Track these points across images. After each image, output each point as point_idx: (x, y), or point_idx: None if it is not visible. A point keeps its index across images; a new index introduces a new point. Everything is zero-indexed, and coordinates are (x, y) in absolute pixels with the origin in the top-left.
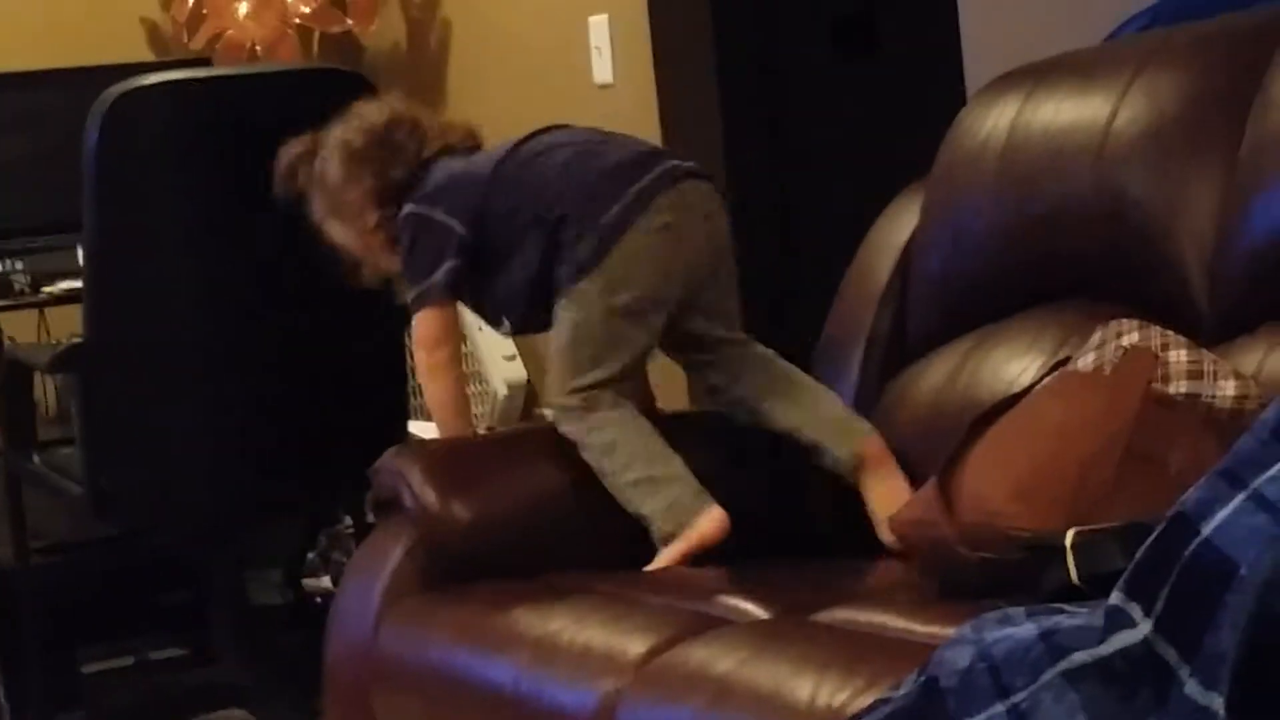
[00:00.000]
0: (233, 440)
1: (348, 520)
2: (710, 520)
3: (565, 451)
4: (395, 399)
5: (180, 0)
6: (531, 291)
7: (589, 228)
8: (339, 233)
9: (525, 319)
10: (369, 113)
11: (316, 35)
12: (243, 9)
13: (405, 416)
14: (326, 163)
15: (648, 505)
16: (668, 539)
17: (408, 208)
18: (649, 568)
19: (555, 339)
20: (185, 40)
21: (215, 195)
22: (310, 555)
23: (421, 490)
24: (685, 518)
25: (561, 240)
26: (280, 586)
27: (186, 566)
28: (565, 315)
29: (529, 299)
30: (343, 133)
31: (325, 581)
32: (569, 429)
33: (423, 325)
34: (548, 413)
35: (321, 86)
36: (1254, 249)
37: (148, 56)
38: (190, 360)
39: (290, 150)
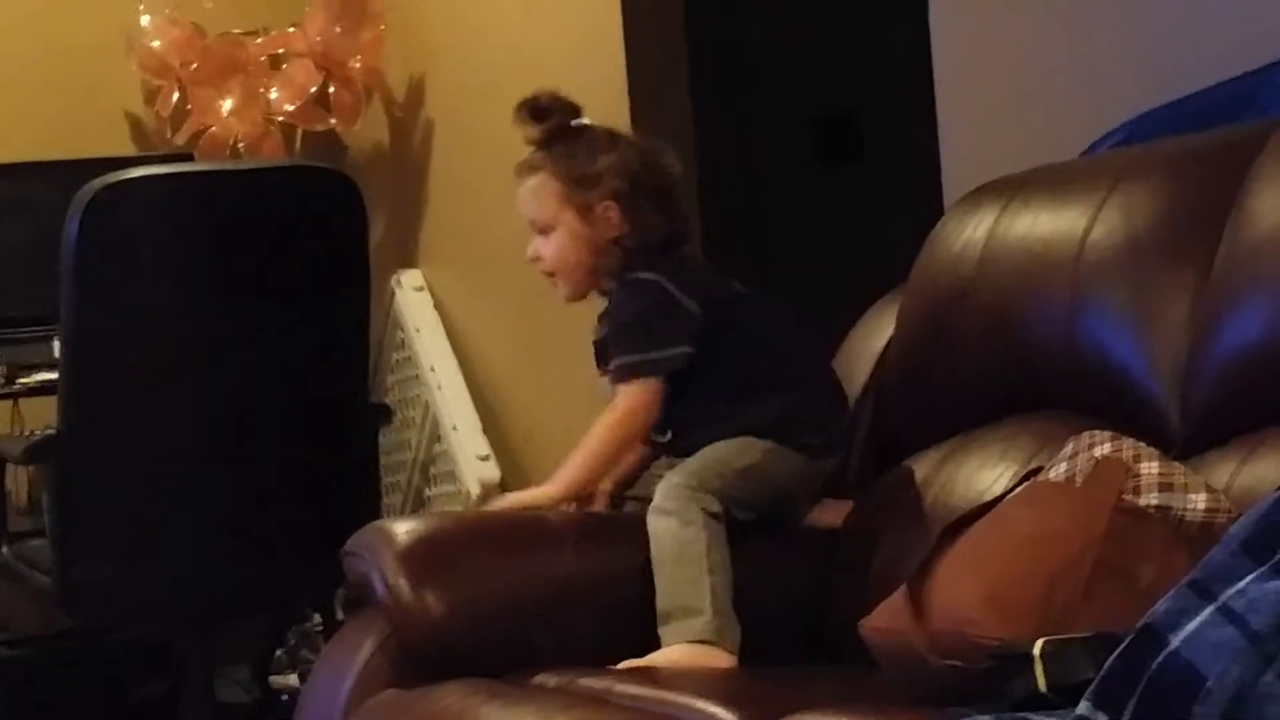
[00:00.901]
0: (205, 534)
1: (317, 618)
2: (717, 660)
3: (546, 539)
4: (367, 498)
5: (164, 96)
6: (718, 424)
7: (826, 425)
8: (571, 226)
9: (691, 442)
10: (675, 161)
11: (299, 133)
12: (226, 105)
13: (378, 516)
14: (626, 155)
15: (685, 601)
16: (673, 638)
17: (651, 275)
18: (637, 662)
19: (725, 451)
20: (168, 135)
21: (194, 290)
22: (278, 652)
23: (394, 579)
24: (708, 637)
25: (784, 401)
26: (247, 684)
27: (156, 661)
28: (752, 448)
29: (714, 429)
30: (655, 155)
31: (293, 679)
32: (675, 505)
33: (634, 395)
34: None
35: (304, 184)
36: (1226, 363)
37: (131, 151)
38: (164, 454)
39: (588, 126)
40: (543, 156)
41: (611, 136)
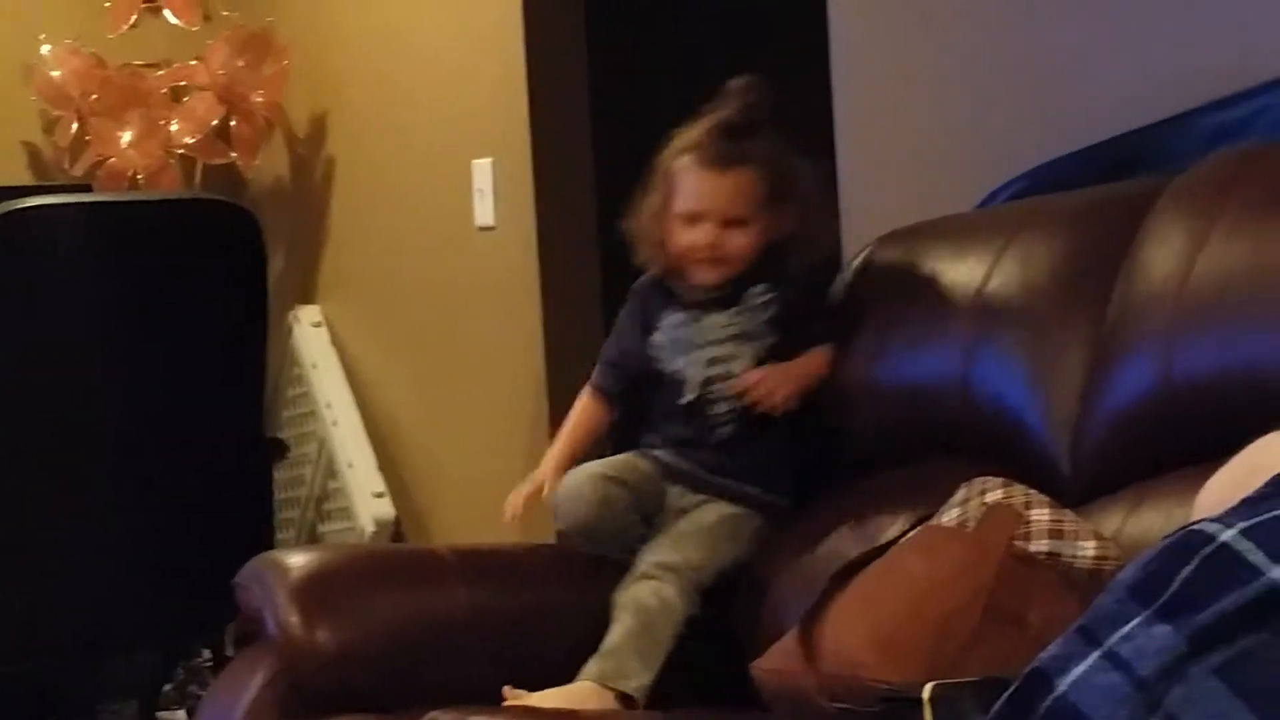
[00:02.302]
0: (90, 568)
1: (206, 652)
2: (604, 702)
3: (437, 576)
4: (260, 532)
5: (63, 126)
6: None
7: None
8: (762, 226)
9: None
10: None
11: (200, 166)
12: (126, 137)
13: (271, 549)
14: (808, 184)
15: (629, 662)
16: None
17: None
18: (533, 699)
19: (727, 533)
20: (66, 166)
21: (89, 321)
22: (166, 687)
23: (285, 614)
24: (615, 682)
25: None
26: (134, 719)
27: (39, 698)
28: (746, 528)
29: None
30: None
31: (180, 715)
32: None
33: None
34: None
35: (203, 217)
36: (1117, 412)
37: (28, 180)
38: (48, 487)
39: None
40: (750, 149)
41: (785, 140)
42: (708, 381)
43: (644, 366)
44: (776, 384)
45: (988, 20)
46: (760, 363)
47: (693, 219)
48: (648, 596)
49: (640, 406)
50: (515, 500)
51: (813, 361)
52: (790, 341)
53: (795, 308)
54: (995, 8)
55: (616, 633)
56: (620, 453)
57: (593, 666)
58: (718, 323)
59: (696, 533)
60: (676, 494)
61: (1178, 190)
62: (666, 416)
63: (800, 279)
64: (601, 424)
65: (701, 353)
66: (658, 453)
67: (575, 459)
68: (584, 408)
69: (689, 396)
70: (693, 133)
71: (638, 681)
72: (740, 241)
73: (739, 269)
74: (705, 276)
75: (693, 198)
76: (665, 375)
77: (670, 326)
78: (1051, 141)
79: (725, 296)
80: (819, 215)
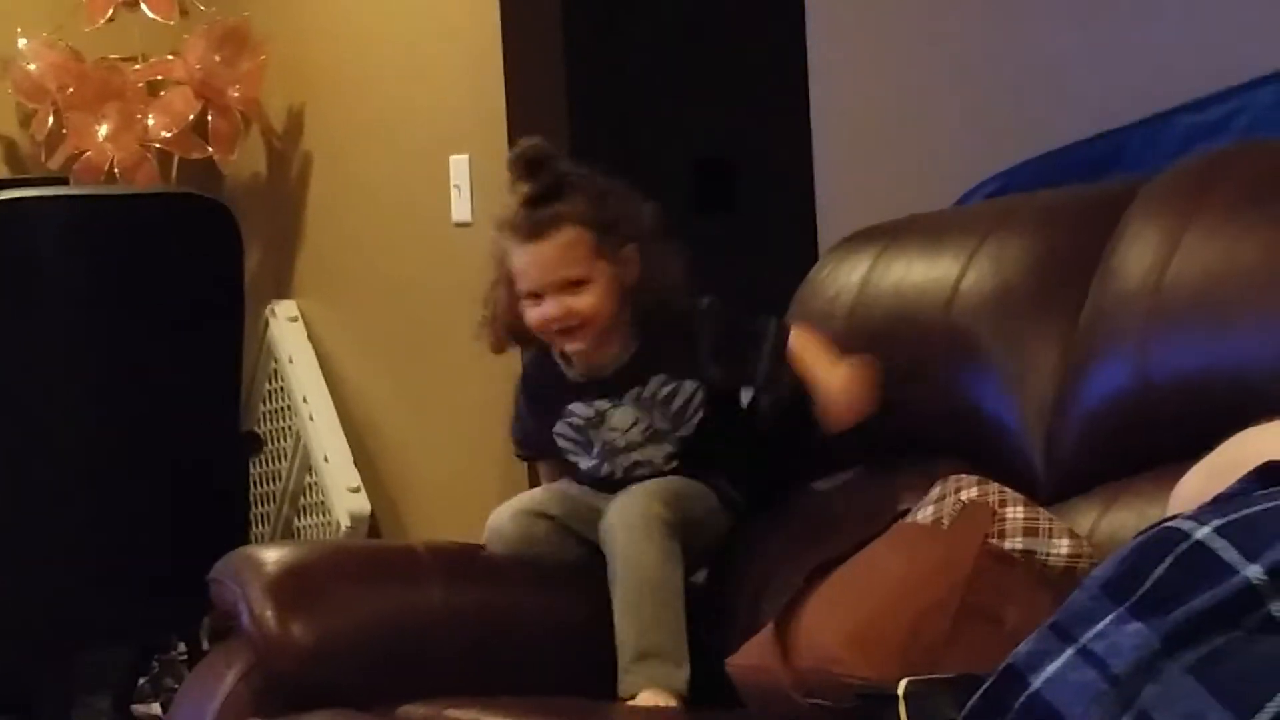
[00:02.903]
0: (65, 562)
1: (181, 646)
2: (662, 699)
3: (413, 572)
4: (235, 526)
5: (39, 119)
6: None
7: None
8: (606, 277)
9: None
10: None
11: (176, 160)
12: (102, 130)
13: (246, 543)
14: (626, 198)
15: (667, 647)
16: (647, 682)
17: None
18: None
19: (692, 492)
20: (43, 159)
21: (64, 314)
22: (141, 681)
23: (260, 609)
24: (683, 692)
25: None
26: (109, 713)
27: (12, 690)
28: (709, 498)
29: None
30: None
31: (155, 709)
32: (659, 536)
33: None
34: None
35: (179, 212)
36: (1091, 412)
37: (4, 174)
38: (21, 480)
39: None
40: (562, 210)
41: (591, 178)
42: (630, 477)
43: (554, 450)
44: (855, 396)
45: (965, 19)
46: (682, 448)
47: (534, 296)
48: (647, 568)
49: None
50: None
51: (812, 352)
52: (711, 424)
53: (711, 378)
54: (974, 7)
55: (646, 628)
56: None
57: (638, 674)
58: (624, 423)
59: (663, 482)
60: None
61: (1153, 191)
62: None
63: (689, 338)
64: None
65: (617, 457)
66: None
67: None
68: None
69: (615, 478)
70: (506, 211)
71: (683, 674)
72: (587, 301)
73: (600, 327)
74: (572, 346)
75: (524, 276)
76: (578, 466)
77: (573, 421)
78: (1028, 141)
79: (620, 374)
80: (659, 246)
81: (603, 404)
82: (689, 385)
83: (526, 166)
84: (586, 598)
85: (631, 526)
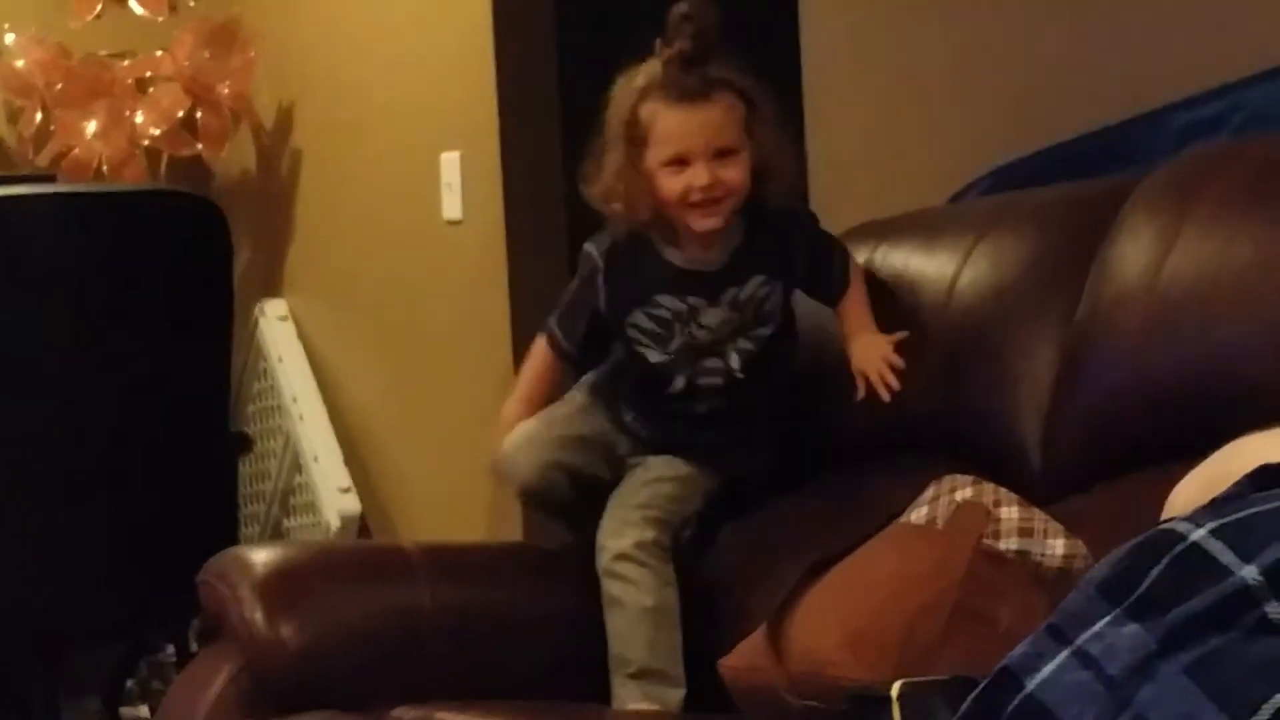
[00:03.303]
0: (53, 562)
1: (170, 648)
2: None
3: (402, 573)
4: (225, 527)
5: (27, 116)
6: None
7: None
8: (749, 150)
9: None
10: None
11: (165, 157)
12: (91, 127)
13: (235, 543)
14: (771, 103)
15: (664, 665)
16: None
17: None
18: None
19: (681, 493)
20: (31, 156)
21: (53, 312)
22: (129, 683)
23: (249, 610)
24: (676, 710)
25: None
26: (97, 714)
27: (1, 694)
28: (698, 483)
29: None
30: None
31: (143, 711)
32: (652, 560)
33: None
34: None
35: (168, 209)
36: (1087, 411)
37: None
38: (8, 479)
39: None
40: (721, 75)
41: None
42: (694, 380)
43: (614, 333)
44: (885, 366)
45: (960, 16)
46: (755, 354)
47: (679, 161)
48: (642, 594)
49: (602, 355)
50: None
51: (862, 315)
52: (783, 334)
53: (796, 283)
54: (969, 4)
55: (642, 652)
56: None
57: (634, 689)
58: (714, 321)
59: (655, 488)
60: (628, 448)
61: (1149, 188)
62: (640, 389)
63: (788, 240)
64: (558, 378)
65: (695, 355)
66: (623, 416)
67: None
68: (540, 361)
69: (674, 388)
70: (648, 73)
71: (679, 695)
72: (734, 173)
73: (737, 204)
74: (706, 222)
75: (675, 139)
76: (644, 359)
77: (658, 314)
78: (1022, 138)
79: (720, 273)
80: (785, 136)
81: (696, 300)
82: (780, 287)
83: (686, 22)
84: (578, 597)
85: (626, 556)
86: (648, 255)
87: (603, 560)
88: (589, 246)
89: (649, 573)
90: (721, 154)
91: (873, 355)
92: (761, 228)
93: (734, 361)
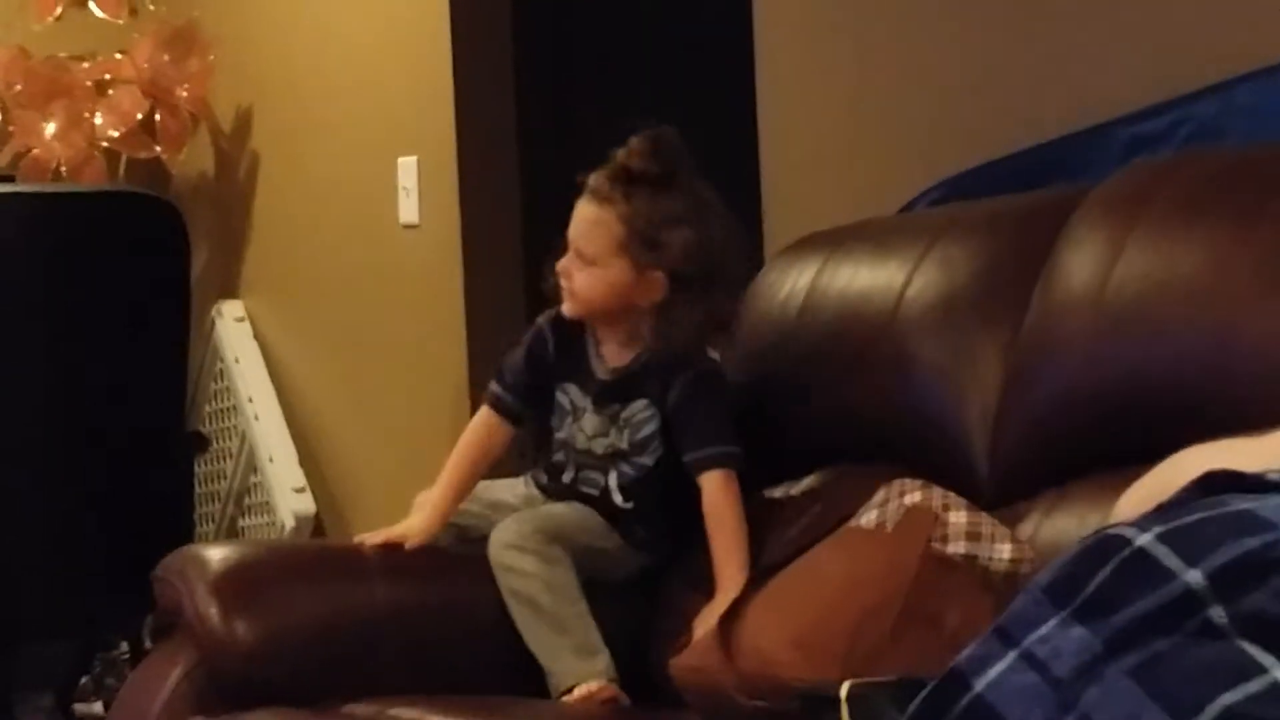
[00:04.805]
0: (7, 559)
1: (124, 645)
2: (595, 685)
3: (356, 571)
4: (180, 525)
5: None
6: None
7: None
8: (614, 274)
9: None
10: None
11: (124, 159)
12: (50, 128)
13: (191, 542)
14: (706, 235)
15: (579, 637)
16: (573, 678)
17: (715, 362)
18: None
19: (590, 524)
20: None
21: (8, 310)
22: (83, 679)
23: (204, 607)
24: (611, 675)
25: None
26: (50, 710)
27: None
28: (611, 535)
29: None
30: (736, 244)
31: (97, 707)
32: (535, 545)
33: (734, 485)
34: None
35: (126, 210)
36: (1035, 417)
37: None
38: None
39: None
40: (622, 195)
41: (701, 209)
42: (575, 483)
43: (541, 403)
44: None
45: (911, 27)
46: (636, 481)
47: (566, 247)
48: (530, 575)
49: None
50: (372, 540)
51: (722, 551)
52: (667, 461)
53: (676, 427)
54: (918, 15)
55: (550, 630)
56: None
57: (561, 673)
58: (591, 429)
59: (550, 512)
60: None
61: (1097, 199)
62: (549, 458)
63: (672, 377)
64: (501, 444)
65: (577, 456)
66: (539, 477)
67: (459, 502)
68: (482, 428)
69: (565, 478)
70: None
71: (604, 659)
72: (582, 279)
73: (584, 311)
74: (565, 307)
75: (570, 225)
76: (553, 433)
77: (562, 396)
78: (972, 149)
79: (614, 384)
80: (687, 298)
81: (585, 401)
82: (659, 419)
83: (651, 145)
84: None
85: (511, 545)
86: (580, 340)
87: (492, 553)
88: (540, 318)
89: (536, 558)
90: (580, 257)
91: (708, 616)
92: (664, 357)
93: (612, 482)
